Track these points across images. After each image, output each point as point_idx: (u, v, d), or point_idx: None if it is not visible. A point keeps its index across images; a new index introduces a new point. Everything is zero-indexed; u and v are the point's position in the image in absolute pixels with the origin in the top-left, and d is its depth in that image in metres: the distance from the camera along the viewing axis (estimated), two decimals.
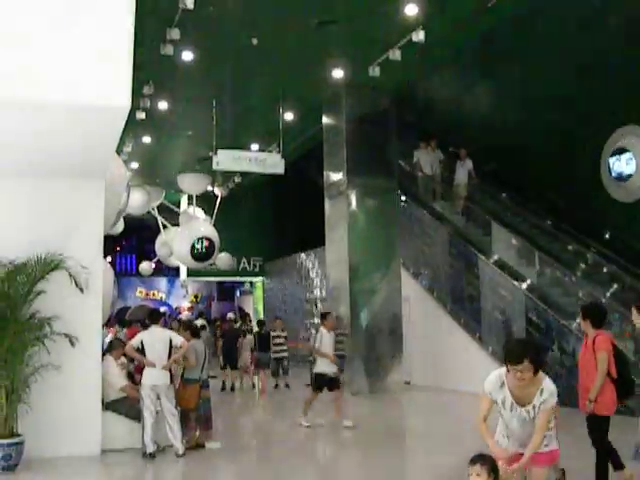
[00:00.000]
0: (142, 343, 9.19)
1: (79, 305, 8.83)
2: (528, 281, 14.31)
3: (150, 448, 8.83)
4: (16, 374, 8.22)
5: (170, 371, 9.24)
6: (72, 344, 8.59)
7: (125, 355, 10.09)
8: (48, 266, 8.48)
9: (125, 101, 6.60)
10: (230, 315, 24.47)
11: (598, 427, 6.49)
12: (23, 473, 7.99)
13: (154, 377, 9.01)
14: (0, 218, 8.72)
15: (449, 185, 17.64)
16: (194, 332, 10.29)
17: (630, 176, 13.59)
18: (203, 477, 8.54)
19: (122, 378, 9.78)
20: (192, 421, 9.54)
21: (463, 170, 17.15)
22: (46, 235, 8.68)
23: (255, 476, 8.50)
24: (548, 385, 4.64)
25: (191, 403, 9.43)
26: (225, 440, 9.94)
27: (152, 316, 9.81)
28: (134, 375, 10.81)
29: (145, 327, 10.91)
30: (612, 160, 13.92)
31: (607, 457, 6.48)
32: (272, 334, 16.59)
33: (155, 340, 9.19)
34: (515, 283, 14.20)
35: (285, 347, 16.68)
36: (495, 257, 15.25)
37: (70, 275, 8.62)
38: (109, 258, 31.46)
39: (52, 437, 8.63)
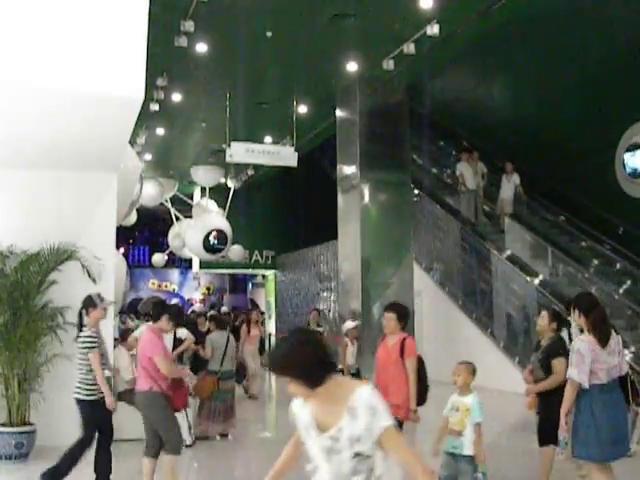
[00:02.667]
0: None
1: None
2: (540, 276, 14.27)
3: None
4: (28, 363, 8.30)
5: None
6: None
7: None
8: (61, 256, 8.55)
9: (139, 92, 6.62)
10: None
11: None
12: (35, 461, 8.06)
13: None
14: (14, 209, 8.80)
15: (491, 200, 16.93)
16: (219, 323, 10.32)
17: None
18: (210, 467, 8.57)
19: (130, 370, 9.81)
20: (205, 410, 9.59)
21: (509, 185, 16.18)
22: (59, 226, 8.74)
23: (260, 466, 8.51)
24: (365, 398, 2.95)
25: (203, 393, 9.50)
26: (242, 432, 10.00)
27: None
28: None
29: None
30: (627, 156, 13.84)
31: None
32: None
33: None
34: (527, 278, 14.15)
35: None
36: (508, 252, 15.21)
37: (83, 265, 8.67)
38: (122, 249, 31.61)
39: (64, 426, 8.65)
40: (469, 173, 16.56)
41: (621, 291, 13.67)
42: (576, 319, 5.72)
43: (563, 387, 5.70)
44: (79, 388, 6.82)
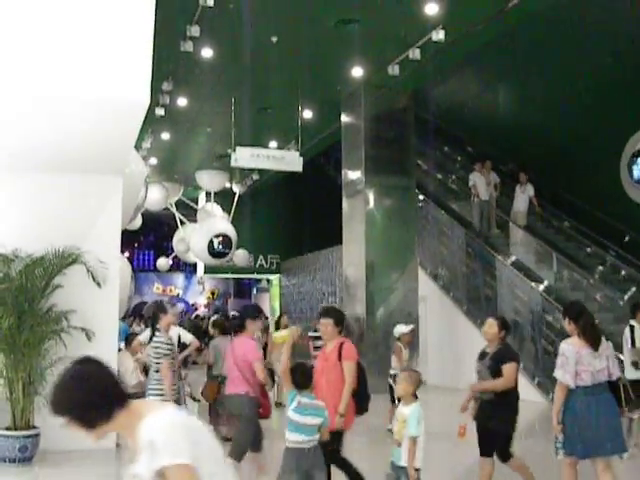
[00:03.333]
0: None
1: (96, 299, 8.88)
2: (545, 283, 14.24)
3: None
4: (33, 367, 8.29)
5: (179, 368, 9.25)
6: (89, 338, 8.63)
7: None
8: (66, 260, 8.55)
9: (144, 97, 6.64)
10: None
11: (338, 442, 6.00)
12: (39, 465, 8.06)
13: None
14: (19, 212, 8.81)
15: (505, 212, 16.66)
16: (222, 329, 10.34)
17: None
18: None
19: (135, 375, 9.81)
20: (212, 415, 9.65)
21: (523, 196, 15.98)
22: (64, 229, 8.74)
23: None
24: (144, 432, 2.45)
25: (208, 398, 9.56)
26: None
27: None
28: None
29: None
30: (633, 162, 13.83)
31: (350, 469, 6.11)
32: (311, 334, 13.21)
33: None
34: (532, 284, 14.12)
35: None
36: (513, 258, 15.19)
37: (88, 269, 8.67)
38: (127, 253, 31.66)
39: (68, 430, 8.67)
40: (482, 183, 16.29)
41: (626, 297, 13.63)
42: (566, 326, 5.99)
43: (507, 396, 5.97)
44: (152, 389, 7.12)
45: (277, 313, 28.50)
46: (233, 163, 15.26)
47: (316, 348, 12.10)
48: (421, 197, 17.52)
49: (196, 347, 10.03)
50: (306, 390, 5.39)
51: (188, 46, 12.09)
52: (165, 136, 19.17)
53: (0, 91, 6.51)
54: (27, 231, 8.58)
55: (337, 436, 5.93)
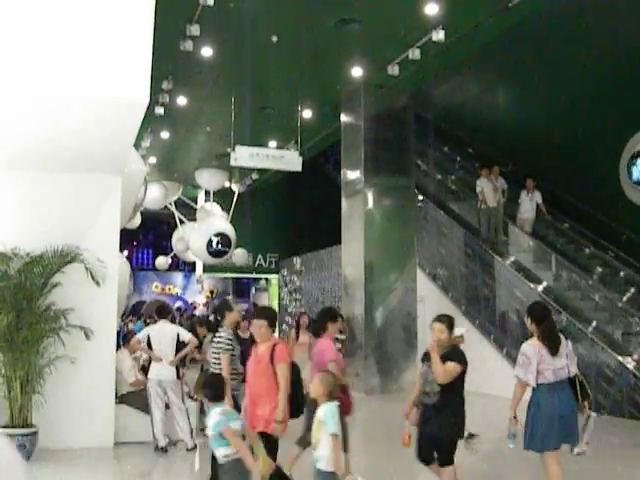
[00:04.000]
0: (149, 337, 9.24)
1: (95, 298, 8.90)
2: (544, 283, 14.25)
3: (161, 442, 8.88)
4: (31, 365, 8.30)
5: (177, 367, 9.26)
6: (87, 337, 8.66)
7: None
8: (64, 258, 8.56)
9: (143, 96, 6.65)
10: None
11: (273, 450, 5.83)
12: (37, 463, 8.05)
13: (160, 372, 9.05)
14: (18, 210, 8.82)
15: (511, 218, 16.24)
16: (210, 327, 10.33)
17: None
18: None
19: (133, 372, 9.82)
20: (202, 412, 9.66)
21: (531, 203, 15.56)
22: (63, 228, 8.76)
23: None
24: None
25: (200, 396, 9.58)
26: None
27: (160, 311, 9.83)
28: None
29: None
30: (633, 163, 13.83)
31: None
32: None
33: (162, 335, 9.23)
34: (531, 285, 14.13)
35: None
36: (511, 259, 15.20)
37: (86, 268, 8.68)
38: (126, 252, 31.66)
39: (66, 428, 8.70)
40: (489, 190, 15.86)
41: (624, 299, 13.65)
42: (528, 325, 6.23)
43: (451, 400, 5.85)
44: None
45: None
46: (232, 162, 15.26)
47: None
48: (420, 197, 17.52)
49: (195, 345, 10.01)
50: (220, 402, 5.22)
51: (188, 45, 12.10)
52: (165, 135, 19.18)
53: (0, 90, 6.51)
54: (26, 229, 8.59)
55: (271, 443, 5.72)
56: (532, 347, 5.99)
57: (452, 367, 5.80)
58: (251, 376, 6.10)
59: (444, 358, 5.85)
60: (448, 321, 6.07)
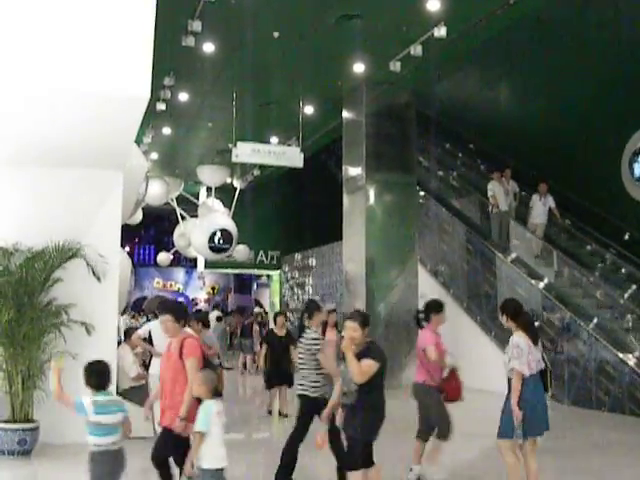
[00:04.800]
0: (150, 333, 9.24)
1: (96, 293, 8.89)
2: (545, 280, 14.23)
3: None
4: (32, 360, 8.30)
5: None
6: (88, 332, 8.65)
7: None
8: (66, 254, 8.56)
9: (144, 91, 6.65)
10: (257, 310, 24.05)
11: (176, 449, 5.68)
12: (38, 458, 8.08)
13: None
14: (19, 206, 8.82)
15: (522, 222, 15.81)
16: (204, 323, 10.33)
17: None
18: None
19: (135, 367, 9.83)
20: None
21: (543, 208, 15.10)
22: (64, 224, 8.75)
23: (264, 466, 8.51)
24: None
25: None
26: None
27: (161, 307, 9.81)
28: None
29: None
30: (634, 160, 13.81)
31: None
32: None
33: (160, 330, 9.21)
34: (532, 282, 14.12)
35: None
36: (513, 255, 15.18)
37: (87, 263, 8.68)
38: (127, 248, 31.68)
39: (67, 424, 8.66)
40: (501, 193, 15.48)
41: (626, 295, 13.64)
42: (505, 322, 6.43)
43: (368, 399, 5.54)
44: (303, 385, 7.18)
45: (277, 308, 28.57)
46: (234, 158, 15.27)
47: None
48: (422, 193, 17.51)
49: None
50: (103, 391, 5.18)
51: (190, 41, 12.10)
52: (166, 131, 19.18)
53: (1, 86, 6.51)
54: (27, 225, 8.59)
55: (178, 442, 5.57)
56: (523, 339, 6.18)
57: (368, 365, 5.48)
58: (162, 371, 5.96)
59: (360, 356, 5.54)
60: (361, 318, 5.74)
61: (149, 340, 9.20)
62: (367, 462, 5.63)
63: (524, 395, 6.07)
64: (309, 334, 7.29)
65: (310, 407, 6.98)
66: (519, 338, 6.19)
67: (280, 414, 11.56)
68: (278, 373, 11.32)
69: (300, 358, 7.34)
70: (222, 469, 5.15)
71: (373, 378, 5.51)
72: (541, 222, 15.21)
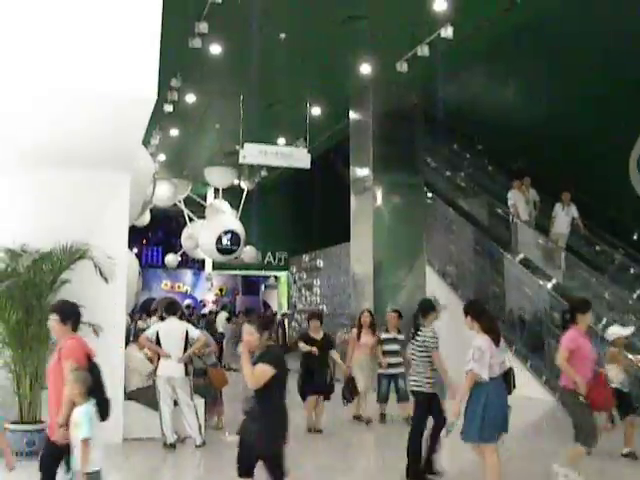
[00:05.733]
0: (158, 334, 9.25)
1: (103, 295, 8.88)
2: (553, 281, 14.18)
3: (170, 438, 8.90)
4: (40, 361, 8.31)
5: (186, 364, 9.25)
6: (96, 333, 8.64)
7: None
8: (73, 255, 8.57)
9: (151, 92, 6.67)
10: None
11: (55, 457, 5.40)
12: None
13: (169, 369, 9.07)
14: (27, 207, 8.84)
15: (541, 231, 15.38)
16: (194, 325, 10.42)
17: None
18: (220, 468, 8.57)
19: (147, 365, 9.84)
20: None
21: (566, 218, 14.70)
22: (72, 225, 8.76)
23: None
24: None
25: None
26: None
27: (169, 308, 9.84)
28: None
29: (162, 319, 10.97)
30: None
31: None
32: (384, 336, 11.16)
33: (171, 332, 9.25)
34: (540, 282, 14.07)
35: (401, 359, 10.88)
36: (521, 256, 15.13)
37: (95, 265, 8.69)
38: (135, 250, 31.73)
39: None
40: (522, 203, 15.23)
41: (634, 296, 13.57)
42: (469, 323, 6.54)
43: (265, 407, 5.31)
44: (417, 381, 7.55)
45: (285, 310, 28.56)
46: (241, 160, 15.28)
47: (387, 353, 10.92)
48: (429, 194, 17.48)
49: (203, 343, 9.99)
50: None
51: (196, 43, 12.11)
52: (174, 133, 19.21)
53: (8, 86, 6.53)
54: (35, 226, 8.61)
55: (56, 450, 5.35)
56: (486, 341, 6.24)
57: (260, 370, 5.24)
58: (49, 374, 5.67)
59: (256, 361, 5.36)
60: (259, 322, 5.58)
61: (157, 341, 9.20)
62: (248, 473, 5.35)
63: (488, 398, 6.17)
64: (426, 332, 7.65)
65: (425, 402, 7.44)
66: (481, 340, 6.26)
67: (310, 430, 10.06)
68: (312, 381, 10.01)
69: (414, 355, 7.67)
70: (98, 472, 5.07)
71: (270, 384, 5.25)
72: (564, 232, 14.80)
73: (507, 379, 6.40)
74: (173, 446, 8.87)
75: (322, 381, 10.04)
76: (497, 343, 6.32)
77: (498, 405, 6.21)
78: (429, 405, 7.44)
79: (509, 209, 15.55)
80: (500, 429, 6.28)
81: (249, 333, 5.44)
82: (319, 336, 10.24)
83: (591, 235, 15.35)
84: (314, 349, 9.98)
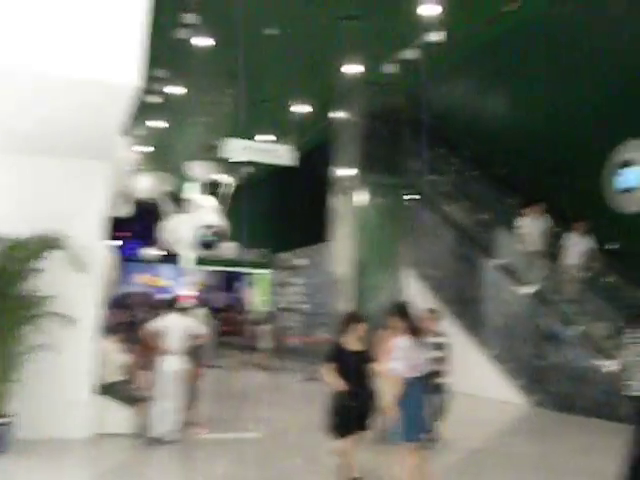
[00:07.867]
0: (160, 329, 9.24)
1: (78, 286, 8.75)
2: (532, 286, 14.17)
3: (156, 432, 8.89)
4: (8, 352, 8.13)
5: (187, 359, 9.26)
6: (68, 325, 8.50)
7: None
8: (48, 244, 8.39)
9: (134, 80, 6.53)
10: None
11: None
12: (14, 455, 7.88)
13: (173, 363, 9.10)
14: (4, 195, 8.69)
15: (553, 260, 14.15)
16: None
17: (635, 189, 13.43)
18: (193, 463, 8.47)
19: (123, 356, 9.76)
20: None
21: (581, 247, 13.34)
22: (48, 213, 8.63)
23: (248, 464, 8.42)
24: None
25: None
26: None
27: (171, 303, 9.92)
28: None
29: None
30: (618, 172, 13.78)
31: None
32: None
33: (173, 327, 9.25)
34: (519, 288, 14.06)
35: (444, 366, 8.84)
36: (501, 261, 15.12)
37: (69, 255, 8.52)
38: (114, 242, 31.48)
39: (45, 419, 8.54)
40: (535, 231, 13.95)
41: (610, 304, 13.57)
42: (392, 324, 6.67)
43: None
44: None
45: (265, 307, 28.44)
46: (224, 155, 15.15)
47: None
48: (412, 197, 17.42)
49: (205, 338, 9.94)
50: None
51: (184, 34, 12.01)
52: (158, 125, 19.07)
53: None
54: (10, 214, 8.47)
55: None
56: (407, 341, 6.42)
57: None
58: None
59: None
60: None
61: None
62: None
63: (412, 398, 6.32)
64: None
65: None
66: (402, 340, 6.42)
67: None
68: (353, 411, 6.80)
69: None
70: None
71: None
72: (578, 263, 13.55)
73: (430, 380, 6.66)
74: (158, 440, 8.77)
75: (365, 409, 6.92)
76: (418, 342, 6.51)
77: (421, 404, 6.41)
78: None
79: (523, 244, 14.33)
80: (421, 428, 6.42)
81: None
82: (359, 346, 6.99)
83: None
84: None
